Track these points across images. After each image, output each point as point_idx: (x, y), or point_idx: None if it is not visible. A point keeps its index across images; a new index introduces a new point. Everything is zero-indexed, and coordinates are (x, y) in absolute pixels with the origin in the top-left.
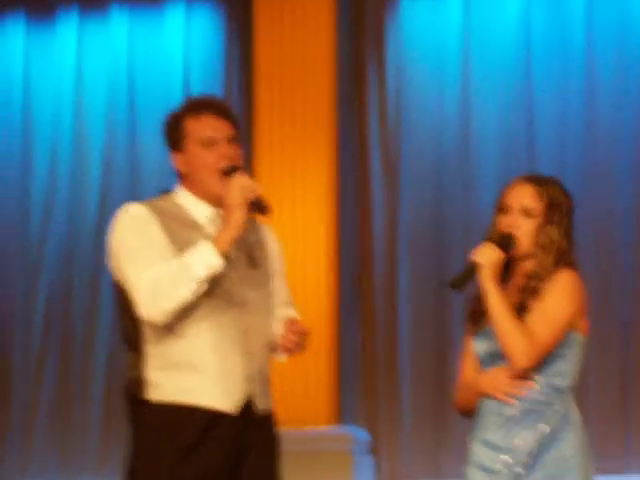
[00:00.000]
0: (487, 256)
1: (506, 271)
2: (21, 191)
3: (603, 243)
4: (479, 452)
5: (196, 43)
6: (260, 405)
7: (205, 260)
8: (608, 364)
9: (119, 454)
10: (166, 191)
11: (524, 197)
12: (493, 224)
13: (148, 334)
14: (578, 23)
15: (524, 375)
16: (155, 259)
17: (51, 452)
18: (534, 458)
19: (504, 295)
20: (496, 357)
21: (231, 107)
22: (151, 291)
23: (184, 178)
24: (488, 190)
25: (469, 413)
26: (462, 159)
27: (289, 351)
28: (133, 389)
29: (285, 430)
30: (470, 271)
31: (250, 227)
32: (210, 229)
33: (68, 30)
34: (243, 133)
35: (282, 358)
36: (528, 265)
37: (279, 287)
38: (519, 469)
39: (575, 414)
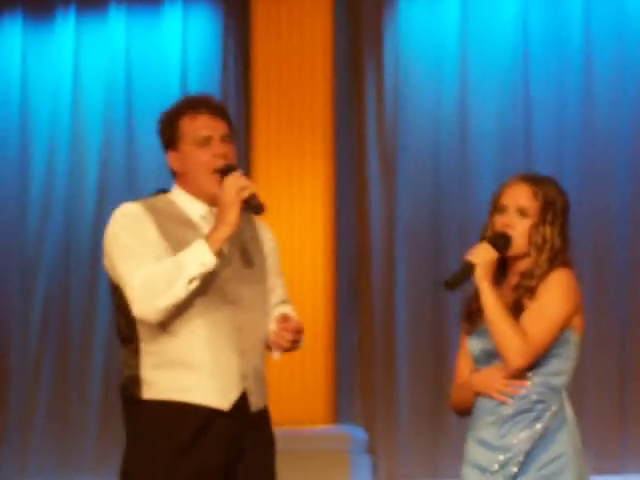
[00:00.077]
0: (482, 256)
1: (502, 271)
2: (19, 190)
3: (600, 241)
4: (474, 451)
5: (194, 43)
6: (255, 402)
7: (199, 258)
8: (605, 363)
9: (117, 453)
10: (162, 191)
11: (520, 197)
12: (488, 224)
13: (143, 332)
14: (575, 22)
15: (519, 374)
16: (149, 257)
17: (49, 452)
18: (529, 457)
19: (499, 294)
20: (491, 356)
21: (226, 106)
22: (145, 289)
23: (179, 177)
24: (486, 189)
25: (464, 412)
26: (460, 158)
27: (283, 348)
28: (128, 387)
29: (282, 429)
30: (465, 271)
31: (245, 224)
32: (205, 228)
33: (66, 29)
34: (241, 132)
35: (277, 355)
36: (524, 264)
37: (275, 285)
38: (514, 468)
39: (570, 413)
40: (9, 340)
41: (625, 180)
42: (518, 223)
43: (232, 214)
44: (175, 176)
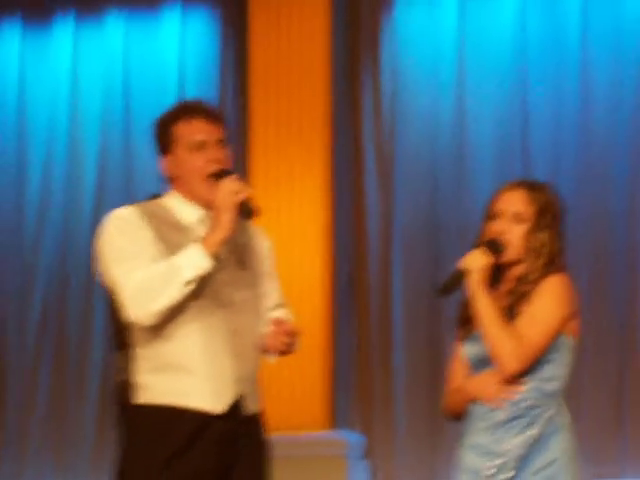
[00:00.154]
0: (476, 261)
1: (496, 277)
2: (16, 194)
3: (598, 245)
4: (468, 457)
5: (191, 47)
6: (250, 406)
7: (193, 261)
8: (603, 368)
9: (114, 457)
10: (156, 195)
11: (515, 203)
12: (484, 229)
13: (137, 336)
14: (573, 27)
15: (513, 379)
16: (143, 261)
17: (46, 455)
18: (523, 462)
19: (493, 300)
20: (485, 362)
21: (221, 111)
22: (139, 292)
23: (174, 181)
24: (483, 193)
25: (458, 418)
26: (457, 162)
27: (278, 351)
28: (123, 392)
29: (280, 435)
30: (458, 277)
31: (240, 228)
32: (200, 232)
33: (64, 34)
34: (238, 137)
35: (272, 359)
36: (518, 270)
37: (270, 288)
38: (508, 473)
39: (564, 418)
40: (7, 343)
41: (622, 185)
42: (513, 229)
43: (227, 218)
44: (169, 181)
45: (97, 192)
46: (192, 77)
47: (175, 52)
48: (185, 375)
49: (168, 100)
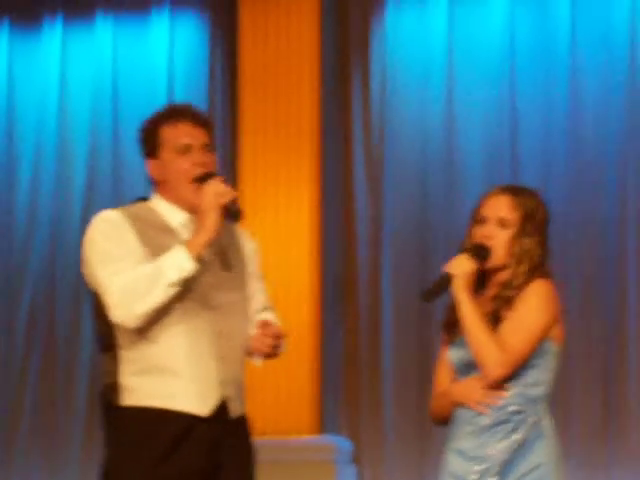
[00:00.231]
0: (461, 267)
1: (481, 282)
2: (5, 197)
3: (588, 253)
4: (453, 462)
5: (180, 51)
6: (235, 409)
7: (178, 264)
8: (592, 374)
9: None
10: (142, 199)
11: (500, 208)
12: (469, 234)
13: (122, 339)
14: (563, 34)
15: (497, 385)
16: (128, 263)
17: (34, 461)
18: (507, 467)
19: (477, 305)
20: (471, 366)
21: (208, 116)
22: (123, 294)
23: (159, 185)
24: (472, 196)
25: (443, 422)
26: (446, 166)
27: (264, 354)
28: (108, 394)
29: (268, 440)
30: (443, 282)
31: (225, 231)
32: (185, 235)
33: (53, 38)
34: (227, 141)
35: (258, 362)
36: (503, 276)
37: (257, 291)
38: (492, 478)
39: (548, 423)
40: None
41: (612, 191)
42: (498, 234)
43: (211, 220)
44: (154, 184)
45: (86, 194)
46: (181, 80)
47: (164, 55)
48: (170, 377)
49: (157, 104)
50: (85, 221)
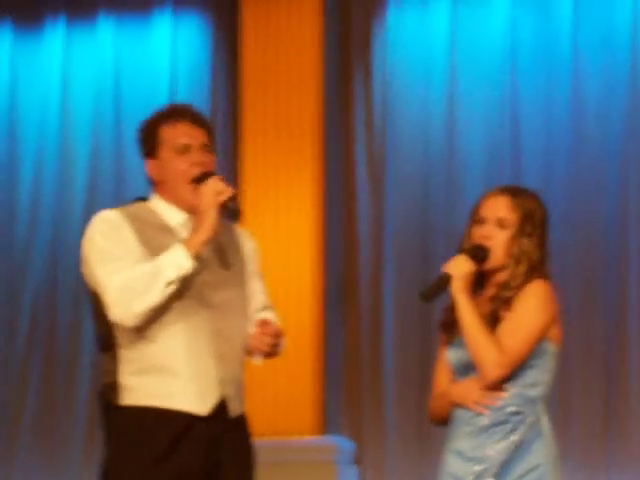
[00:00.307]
0: (459, 267)
1: (479, 283)
2: (7, 197)
3: (589, 254)
4: (451, 462)
5: (183, 51)
6: (234, 408)
7: (176, 262)
8: (592, 375)
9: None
10: (141, 199)
11: (499, 208)
12: (467, 235)
13: (121, 338)
14: (564, 35)
15: (495, 386)
16: (127, 263)
17: (35, 464)
18: (505, 468)
19: (476, 306)
20: (469, 367)
21: (208, 116)
22: (122, 293)
23: (158, 185)
24: (474, 196)
25: (442, 422)
26: (448, 166)
27: (263, 353)
28: (107, 394)
29: (269, 440)
30: (441, 283)
31: (224, 230)
32: (183, 234)
33: (55, 38)
34: (230, 142)
35: (258, 361)
36: (502, 276)
37: (256, 290)
38: (490, 479)
39: (547, 424)
40: None
41: (614, 192)
42: (497, 234)
43: (210, 218)
44: (153, 184)
45: (88, 194)
46: (183, 81)
47: (166, 56)
48: (169, 377)
49: (159, 104)
50: (87, 222)
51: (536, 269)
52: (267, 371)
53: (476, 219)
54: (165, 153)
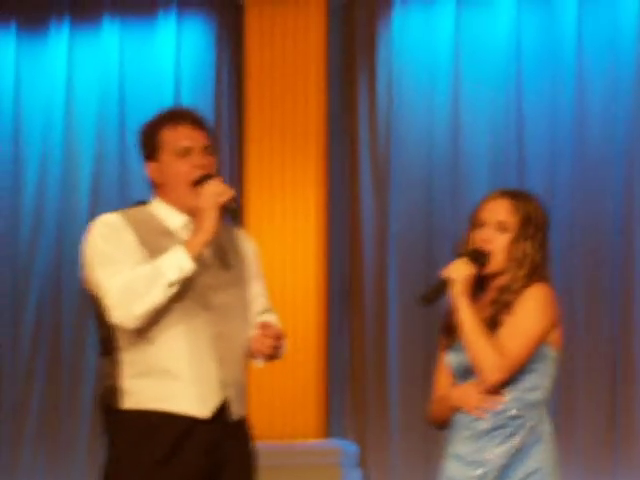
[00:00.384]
0: (459, 271)
1: (479, 286)
2: (11, 201)
3: (592, 256)
4: (451, 466)
5: (187, 54)
6: (235, 410)
7: (177, 263)
8: (597, 379)
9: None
10: (141, 202)
11: (499, 212)
12: (467, 238)
13: (122, 341)
14: (569, 38)
15: (495, 390)
16: (128, 265)
17: (39, 465)
18: (505, 472)
19: (475, 310)
20: (469, 371)
21: (210, 119)
22: (123, 295)
23: (158, 188)
24: (477, 200)
25: (442, 426)
26: (452, 170)
27: (265, 355)
28: (108, 397)
29: (274, 444)
30: (441, 286)
31: (224, 232)
32: (184, 237)
33: (59, 41)
34: (234, 143)
35: (259, 363)
36: (502, 280)
37: (257, 292)
38: None
39: (546, 428)
40: (0, 346)
41: (617, 196)
42: (497, 238)
43: (210, 220)
44: (154, 187)
45: (92, 198)
46: (188, 84)
47: (171, 59)
48: (170, 379)
49: (164, 107)
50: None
51: (537, 272)
52: (271, 374)
53: (476, 223)
54: (166, 156)
